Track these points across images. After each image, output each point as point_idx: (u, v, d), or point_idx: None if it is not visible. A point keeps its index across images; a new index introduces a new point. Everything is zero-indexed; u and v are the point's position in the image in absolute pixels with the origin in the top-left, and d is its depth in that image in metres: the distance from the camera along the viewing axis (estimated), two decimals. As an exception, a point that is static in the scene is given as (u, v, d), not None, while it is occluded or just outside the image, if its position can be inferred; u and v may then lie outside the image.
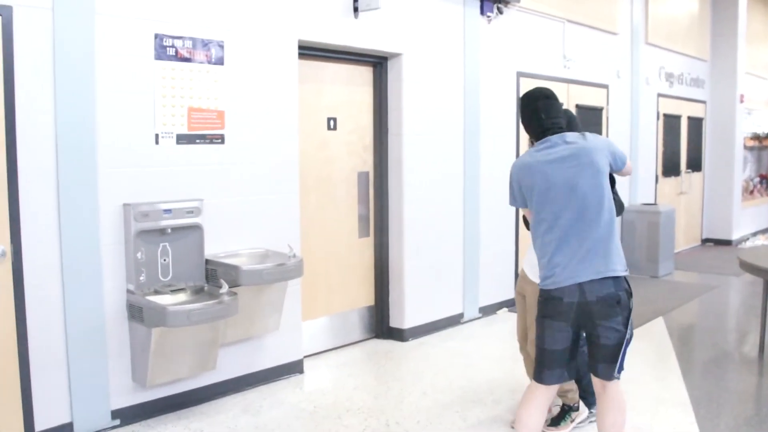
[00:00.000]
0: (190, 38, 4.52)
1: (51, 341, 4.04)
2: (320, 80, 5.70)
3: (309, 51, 5.40)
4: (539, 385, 3.44)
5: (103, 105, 4.16)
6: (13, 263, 3.86)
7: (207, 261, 4.59)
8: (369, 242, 6.19)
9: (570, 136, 3.40)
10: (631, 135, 9.54)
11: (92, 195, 4.14)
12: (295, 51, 5.16)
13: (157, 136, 4.41)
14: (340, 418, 4.48)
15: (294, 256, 4.69)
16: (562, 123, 3.49)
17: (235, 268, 4.43)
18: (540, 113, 3.46)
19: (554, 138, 3.40)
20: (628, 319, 3.31)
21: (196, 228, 4.53)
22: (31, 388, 3.96)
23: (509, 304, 7.35)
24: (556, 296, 3.32)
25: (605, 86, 8.82)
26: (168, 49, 4.42)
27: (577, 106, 8.24)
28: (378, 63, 6.05)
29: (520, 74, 7.33)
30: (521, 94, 3.64)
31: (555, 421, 4.31)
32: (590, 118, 8.54)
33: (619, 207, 3.89)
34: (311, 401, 4.79)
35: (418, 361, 5.69)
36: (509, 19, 7.13)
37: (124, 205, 4.25)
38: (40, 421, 4.01)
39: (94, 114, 4.12)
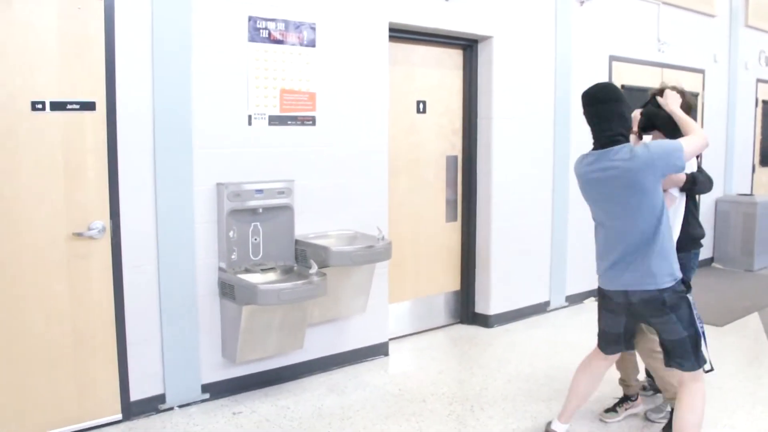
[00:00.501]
0: (283, 20, 4.56)
1: (146, 316, 4.16)
2: (410, 63, 5.68)
3: (399, 33, 5.37)
4: (600, 352, 3.81)
5: (198, 87, 4.24)
6: (112, 239, 3.99)
7: (297, 241, 4.65)
8: (456, 227, 6.15)
9: (620, 152, 3.33)
10: (728, 122, 9.18)
11: (187, 174, 4.23)
12: (386, 33, 5.15)
13: (250, 117, 4.47)
14: (424, 402, 4.48)
15: (383, 238, 4.69)
16: (617, 131, 3.39)
17: (324, 248, 4.46)
18: (593, 119, 3.46)
19: (603, 153, 3.41)
20: (687, 315, 3.41)
21: (287, 208, 4.58)
22: (127, 359, 4.10)
23: (596, 293, 7.20)
24: (606, 294, 3.60)
25: (701, 71, 8.51)
26: (261, 31, 4.47)
27: (672, 91, 7.98)
28: (468, 46, 5.98)
29: (612, 58, 7.14)
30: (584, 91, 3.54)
31: (610, 408, 4.32)
32: (685, 105, 8.26)
33: (708, 182, 3.99)
34: (396, 384, 4.80)
35: (503, 347, 5.64)
36: (602, 1, 6.94)
37: (218, 184, 4.33)
38: (135, 392, 4.15)
39: (189, 95, 4.21)
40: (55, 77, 3.74)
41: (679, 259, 3.71)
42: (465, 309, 6.26)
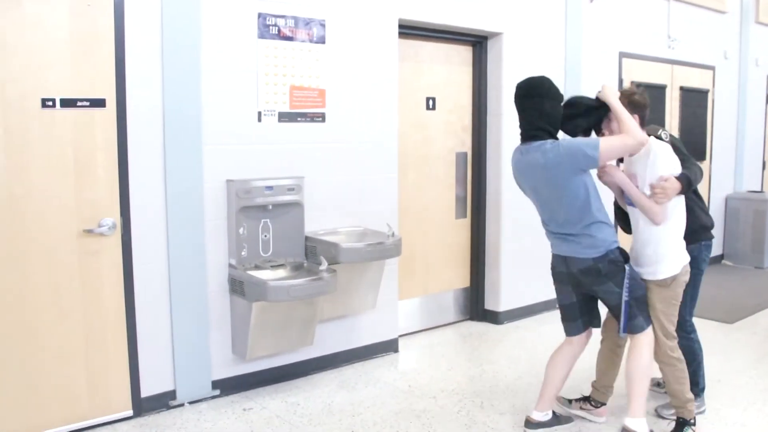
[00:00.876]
0: (293, 17, 4.56)
1: (156, 312, 4.18)
2: (419, 59, 5.67)
3: (409, 30, 5.37)
4: (566, 337, 3.99)
5: (207, 83, 4.25)
6: (122, 236, 4.00)
7: (306, 238, 4.65)
8: (466, 223, 6.14)
9: (540, 148, 3.55)
10: (738, 119, 9.13)
11: (197, 171, 4.24)
12: (396, 30, 5.14)
13: (259, 113, 4.48)
14: (435, 398, 4.48)
15: (393, 235, 4.69)
16: (538, 125, 3.60)
17: (334, 245, 4.46)
18: (518, 112, 3.72)
19: (527, 147, 3.65)
20: (622, 281, 3.61)
21: (297, 205, 4.58)
22: (137, 356, 4.12)
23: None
24: (553, 264, 3.88)
25: (711, 68, 8.47)
26: (271, 27, 4.47)
27: (682, 88, 7.96)
28: (478, 42, 5.97)
29: (622, 54, 7.11)
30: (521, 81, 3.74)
31: (574, 398, 4.28)
32: (695, 101, 8.23)
33: (699, 172, 3.85)
34: (406, 380, 4.80)
35: (513, 344, 5.63)
36: (612, -2, 6.94)
37: (227, 181, 4.34)
38: (146, 388, 4.17)
39: (199, 92, 4.21)
40: (65, 74, 3.75)
41: (689, 251, 3.83)
42: (475, 306, 6.26)
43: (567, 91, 6.42)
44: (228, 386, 4.49)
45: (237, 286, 4.31)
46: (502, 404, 4.41)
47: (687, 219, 3.82)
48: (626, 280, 3.62)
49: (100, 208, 3.92)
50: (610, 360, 4.17)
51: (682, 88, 7.96)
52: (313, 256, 4.57)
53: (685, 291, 3.85)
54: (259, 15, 4.41)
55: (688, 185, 3.69)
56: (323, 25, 4.70)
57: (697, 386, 4.18)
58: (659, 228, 3.69)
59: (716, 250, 8.92)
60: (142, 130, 4.02)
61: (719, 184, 8.87)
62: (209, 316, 4.37)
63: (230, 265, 4.38)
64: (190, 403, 4.33)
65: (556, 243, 3.82)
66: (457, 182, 6.05)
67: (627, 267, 3.64)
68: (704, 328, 6.01)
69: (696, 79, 8.24)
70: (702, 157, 8.45)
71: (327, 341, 4.93)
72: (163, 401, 4.25)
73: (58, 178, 3.77)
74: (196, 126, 4.20)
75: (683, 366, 3.85)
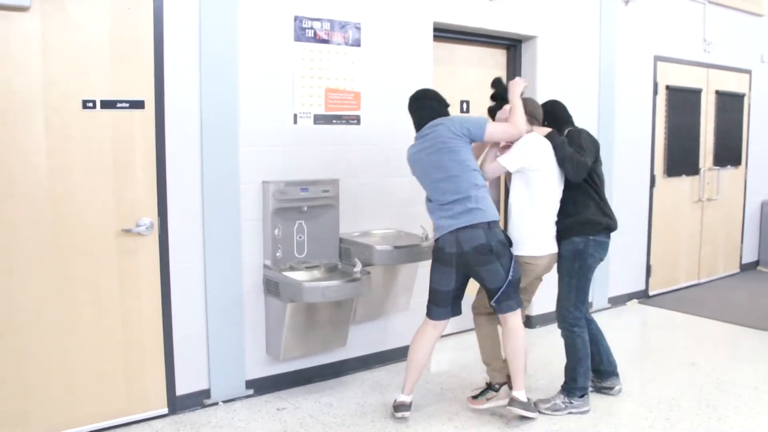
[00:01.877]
0: (328, 20, 4.59)
1: (192, 312, 4.23)
2: (454, 62, 5.68)
3: (443, 33, 5.38)
4: (429, 320, 4.17)
5: (244, 86, 4.29)
6: (159, 235, 4.05)
7: (341, 239, 4.68)
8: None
9: (430, 130, 4.00)
10: (775, 123, 9.02)
11: (233, 172, 4.28)
12: (431, 33, 5.16)
13: (295, 116, 4.51)
14: (467, 401, 4.47)
15: (426, 237, 4.70)
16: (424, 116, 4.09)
17: (368, 247, 4.48)
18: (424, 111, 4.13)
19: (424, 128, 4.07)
20: (508, 263, 3.95)
21: (332, 207, 4.61)
22: (173, 354, 4.17)
23: (640, 295, 7.15)
24: (439, 246, 3.99)
25: (748, 71, 8.37)
26: (307, 30, 4.50)
27: (717, 92, 7.87)
28: (512, 45, 5.97)
29: (657, 58, 7.06)
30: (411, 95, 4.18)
31: (476, 394, 4.36)
32: (731, 105, 8.14)
33: (580, 166, 4.13)
34: (438, 382, 4.80)
35: (545, 348, 5.60)
36: (647, 1, 6.88)
37: (263, 182, 4.38)
38: (181, 386, 4.22)
39: (236, 94, 4.26)
40: (105, 76, 3.82)
41: (575, 243, 4.26)
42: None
43: (601, 95, 6.41)
44: (262, 386, 4.52)
45: (272, 287, 4.34)
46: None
47: (578, 212, 4.26)
48: (512, 262, 3.98)
49: (139, 208, 3.98)
50: (496, 338, 4.35)
51: (717, 92, 7.87)
52: (347, 257, 4.59)
53: (569, 282, 4.31)
54: (296, 18, 4.45)
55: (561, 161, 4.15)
56: (359, 28, 4.72)
57: (598, 371, 4.58)
58: (515, 214, 4.24)
59: (751, 256, 8.82)
60: (179, 132, 4.07)
61: (756, 189, 8.76)
62: (244, 316, 4.41)
63: (265, 266, 4.42)
64: (225, 402, 4.37)
65: (449, 221, 3.95)
66: (491, 185, 6.01)
67: (511, 251, 4.04)
68: (740, 335, 5.97)
69: (732, 83, 8.15)
70: (738, 162, 8.36)
71: (360, 343, 4.95)
72: (198, 400, 4.30)
73: (98, 179, 3.83)
74: (232, 128, 4.25)
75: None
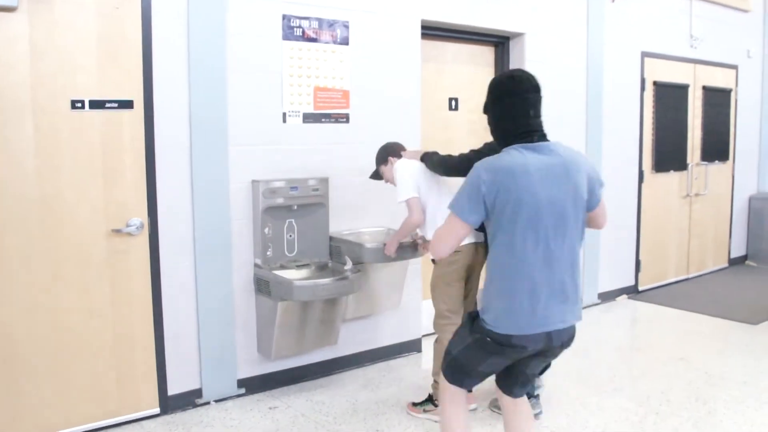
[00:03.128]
0: (317, 19, 4.59)
1: (183, 311, 4.22)
2: (442, 60, 5.69)
3: (431, 31, 5.39)
4: (460, 390, 3.09)
5: (233, 85, 4.29)
6: (150, 235, 4.05)
7: (331, 238, 4.68)
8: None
9: (555, 144, 2.76)
10: (761, 118, 9.06)
11: (223, 172, 4.28)
12: (419, 31, 5.17)
13: (284, 114, 4.51)
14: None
15: (416, 235, 4.70)
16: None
17: (358, 245, 4.49)
18: (528, 108, 2.74)
19: (545, 145, 2.73)
20: None
21: (321, 205, 4.61)
22: (164, 354, 4.16)
23: (629, 291, 7.19)
24: (516, 344, 2.74)
25: (734, 67, 8.42)
26: (295, 29, 4.50)
27: (704, 87, 7.91)
28: (500, 43, 5.98)
29: (644, 54, 7.09)
30: (497, 78, 2.93)
31: (417, 402, 4.30)
32: (718, 100, 8.18)
33: (446, 163, 4.11)
34: (430, 380, 4.80)
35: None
36: (634, -2, 6.92)
37: (253, 181, 4.37)
38: (172, 386, 4.22)
39: (225, 94, 4.26)
40: (94, 77, 3.80)
41: None
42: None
43: (589, 91, 6.43)
44: (253, 385, 4.52)
45: (262, 286, 4.34)
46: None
47: None
48: None
49: (128, 208, 3.97)
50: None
51: (704, 88, 7.92)
52: (337, 256, 4.60)
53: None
54: (284, 17, 4.45)
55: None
56: (347, 27, 4.72)
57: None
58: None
59: (740, 250, 8.88)
60: (169, 131, 4.06)
61: (742, 184, 8.82)
62: (235, 316, 4.41)
63: (256, 265, 4.42)
64: (216, 401, 4.37)
65: (546, 310, 2.72)
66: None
67: None
68: (729, 329, 6.01)
69: (719, 79, 8.19)
70: (725, 158, 8.41)
71: (351, 341, 4.96)
72: (190, 399, 4.29)
73: (87, 179, 3.82)
74: (222, 127, 4.24)
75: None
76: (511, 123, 2.76)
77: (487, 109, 2.86)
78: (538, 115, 2.78)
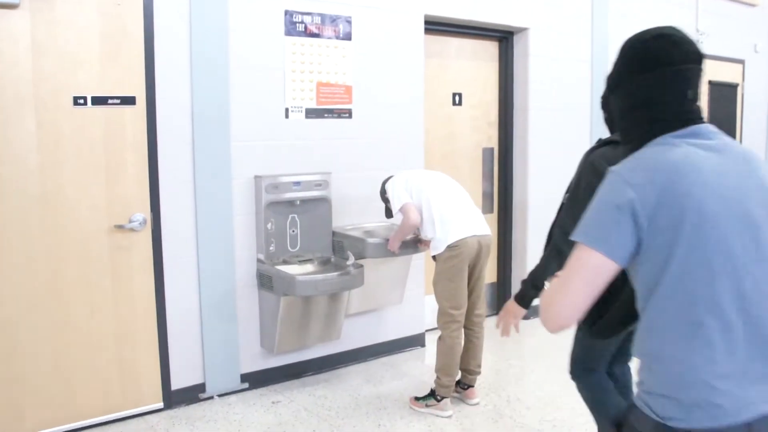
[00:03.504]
0: (319, 14, 4.60)
1: (186, 306, 4.24)
2: (445, 55, 5.68)
3: (435, 26, 5.38)
4: None
5: (235, 81, 4.30)
6: (152, 231, 4.07)
7: (334, 233, 4.69)
8: (492, 219, 6.14)
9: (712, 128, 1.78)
10: (769, 113, 9.04)
11: (226, 167, 4.29)
12: (422, 26, 5.16)
13: (287, 110, 4.52)
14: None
15: (418, 230, 4.71)
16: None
17: (361, 240, 4.50)
18: (686, 86, 1.77)
19: (705, 128, 1.75)
20: None
21: (324, 200, 4.62)
22: (168, 349, 4.18)
23: None
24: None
25: (741, 61, 8.38)
26: (297, 25, 4.51)
27: (710, 82, 7.88)
28: (504, 37, 5.97)
29: (650, 48, 7.04)
30: (637, 39, 1.84)
31: (419, 396, 4.32)
32: (724, 95, 8.15)
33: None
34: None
35: (540, 339, 5.61)
36: (640, -8, 6.88)
37: (256, 177, 4.39)
38: (176, 381, 4.24)
39: (227, 89, 4.27)
40: (96, 73, 3.82)
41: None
42: (502, 301, 6.24)
43: (594, 87, 6.41)
44: (256, 380, 4.54)
45: (265, 281, 4.36)
46: (528, 398, 4.42)
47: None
48: None
49: (131, 204, 3.99)
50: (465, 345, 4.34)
51: (710, 83, 7.88)
52: (340, 251, 4.61)
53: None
54: (286, 12, 4.46)
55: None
56: (349, 22, 4.73)
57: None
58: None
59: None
60: (171, 127, 4.08)
61: (749, 179, 8.75)
62: (238, 311, 4.42)
63: (258, 260, 4.43)
64: (220, 396, 4.39)
65: (746, 382, 1.61)
66: (483, 178, 6.05)
67: None
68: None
69: (725, 73, 8.16)
70: (732, 152, 8.35)
71: (354, 335, 4.97)
72: (193, 394, 4.32)
73: (90, 175, 3.84)
74: (224, 123, 4.26)
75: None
76: (660, 108, 1.76)
77: (615, 87, 1.90)
78: (696, 97, 1.80)
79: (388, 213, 4.47)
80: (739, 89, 8.40)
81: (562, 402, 4.33)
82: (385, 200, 4.42)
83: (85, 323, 3.89)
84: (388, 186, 4.31)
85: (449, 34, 5.64)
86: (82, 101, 3.78)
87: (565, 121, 6.25)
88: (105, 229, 3.92)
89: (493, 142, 6.09)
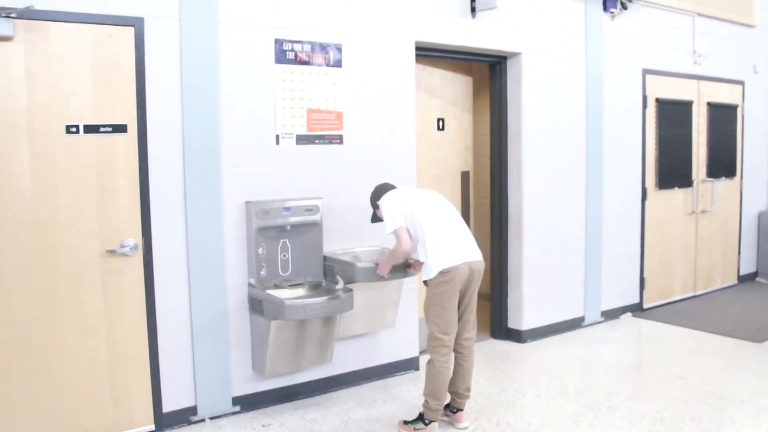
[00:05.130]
0: (309, 42, 4.68)
1: (178, 330, 4.29)
2: (431, 82, 5.76)
3: (426, 52, 5.45)
4: None
5: (226, 107, 4.38)
6: (144, 256, 4.13)
7: (325, 257, 4.74)
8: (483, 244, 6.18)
9: None
10: (770, 134, 9.03)
11: (216, 193, 4.36)
12: (413, 52, 5.23)
13: (277, 136, 4.59)
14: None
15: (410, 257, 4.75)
16: None
17: (350, 265, 4.54)
18: None
19: None
20: None
21: (315, 225, 4.68)
22: (159, 372, 4.23)
23: (634, 308, 7.17)
24: None
25: (740, 82, 8.39)
26: (288, 53, 4.59)
27: (709, 103, 7.90)
28: (497, 62, 6.03)
29: (645, 71, 7.10)
30: None
31: (407, 420, 4.36)
32: (724, 116, 8.16)
33: None
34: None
35: (534, 363, 5.64)
36: (634, 15, 6.92)
37: (246, 202, 4.45)
38: (167, 403, 4.28)
39: (218, 116, 4.34)
40: (88, 102, 3.91)
41: None
42: (498, 324, 6.28)
43: (589, 109, 6.45)
44: (248, 403, 4.58)
45: (256, 305, 4.41)
46: (518, 423, 4.42)
47: None
48: None
49: (123, 230, 4.06)
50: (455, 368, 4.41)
51: (709, 104, 7.90)
52: (331, 275, 4.65)
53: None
54: (276, 41, 4.54)
55: None
56: (339, 49, 4.80)
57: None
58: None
59: (749, 267, 8.82)
60: (162, 154, 4.16)
61: (752, 200, 8.76)
62: (229, 334, 4.47)
63: (250, 284, 4.48)
64: (211, 418, 4.43)
65: None
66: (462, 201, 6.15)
67: None
68: (732, 348, 5.98)
69: (724, 95, 8.17)
70: (732, 174, 8.37)
71: (347, 359, 5.00)
72: (185, 417, 4.36)
73: (82, 201, 3.92)
74: (214, 149, 4.33)
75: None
76: None
77: None
78: None
79: (375, 219, 4.54)
80: (739, 110, 8.41)
81: (552, 428, 4.34)
82: (375, 206, 4.47)
83: (78, 346, 3.95)
84: (382, 202, 4.33)
85: (441, 59, 5.70)
86: (74, 129, 3.87)
87: (559, 145, 6.29)
88: (97, 254, 4.00)
89: (469, 166, 6.20)
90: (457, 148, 6.06)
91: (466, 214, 6.17)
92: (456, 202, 6.06)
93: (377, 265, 4.47)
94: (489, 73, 6.13)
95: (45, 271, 3.84)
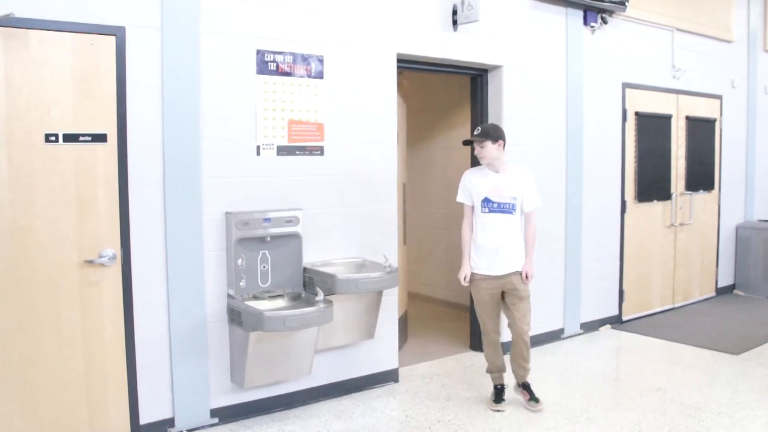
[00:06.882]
0: (291, 53, 4.68)
1: (156, 341, 4.27)
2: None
3: (408, 64, 5.47)
4: None
5: (207, 118, 4.37)
6: (122, 266, 4.11)
7: (305, 269, 4.73)
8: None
9: None
10: (747, 148, 9.10)
11: (196, 203, 4.34)
12: (394, 64, 5.25)
13: (258, 147, 4.59)
14: (430, 429, 4.51)
15: (389, 266, 4.75)
16: None
17: (330, 276, 4.54)
18: None
19: None
20: None
21: (295, 237, 4.67)
22: (137, 383, 4.20)
23: (613, 320, 7.19)
24: None
25: (718, 97, 8.48)
26: (269, 64, 4.59)
27: (688, 117, 7.97)
28: (478, 75, 6.06)
29: (625, 85, 7.16)
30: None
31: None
32: (702, 130, 8.24)
33: None
34: (403, 410, 4.84)
35: (513, 375, 5.63)
36: (614, 29, 6.99)
37: (226, 213, 4.44)
38: (145, 415, 4.25)
39: (198, 127, 4.33)
40: (68, 111, 3.89)
41: None
42: (477, 337, 6.26)
43: (569, 122, 6.49)
44: (226, 414, 4.56)
45: (235, 316, 4.39)
46: None
47: None
48: None
49: (101, 240, 4.04)
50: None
51: (688, 118, 7.97)
52: (311, 287, 4.64)
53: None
54: (258, 52, 4.54)
55: None
56: (321, 61, 4.81)
57: None
58: None
59: (727, 279, 8.90)
60: (142, 164, 4.14)
61: (730, 213, 8.84)
62: (208, 346, 4.45)
63: (229, 296, 4.47)
64: (189, 430, 4.40)
65: None
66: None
67: None
68: (710, 360, 6.02)
69: (703, 109, 8.25)
70: (711, 187, 8.45)
71: (326, 371, 4.99)
72: (162, 429, 4.32)
73: (61, 211, 3.90)
74: (195, 160, 4.32)
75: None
76: None
77: None
78: None
79: (478, 139, 4.73)
80: (717, 124, 8.49)
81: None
82: (493, 138, 4.72)
83: (54, 357, 3.92)
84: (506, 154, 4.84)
85: (422, 72, 5.72)
86: (53, 138, 3.85)
87: (540, 157, 6.31)
88: (75, 264, 3.97)
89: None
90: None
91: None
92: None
93: (356, 277, 4.52)
94: (470, 86, 6.14)
95: (21, 280, 3.80)
